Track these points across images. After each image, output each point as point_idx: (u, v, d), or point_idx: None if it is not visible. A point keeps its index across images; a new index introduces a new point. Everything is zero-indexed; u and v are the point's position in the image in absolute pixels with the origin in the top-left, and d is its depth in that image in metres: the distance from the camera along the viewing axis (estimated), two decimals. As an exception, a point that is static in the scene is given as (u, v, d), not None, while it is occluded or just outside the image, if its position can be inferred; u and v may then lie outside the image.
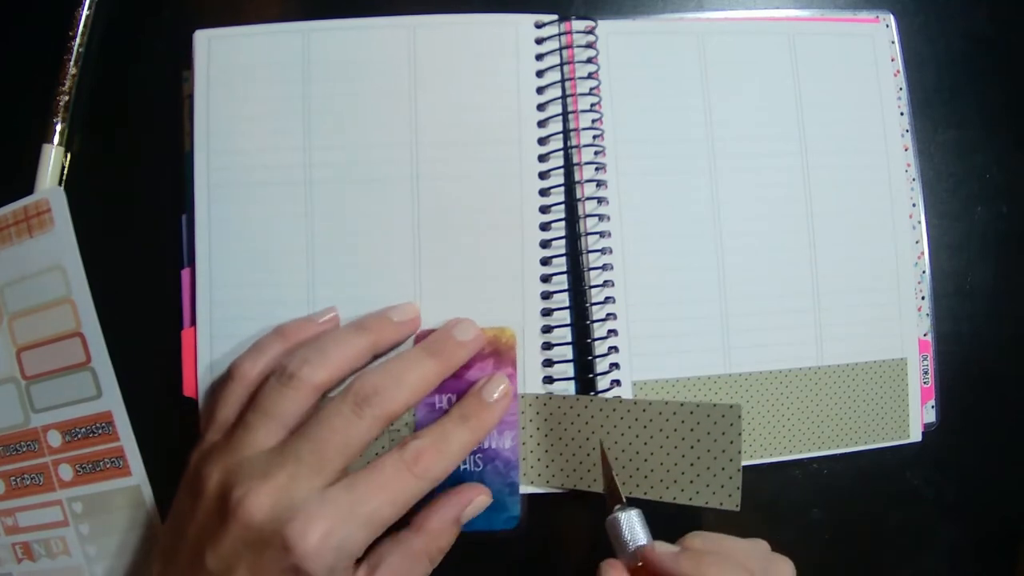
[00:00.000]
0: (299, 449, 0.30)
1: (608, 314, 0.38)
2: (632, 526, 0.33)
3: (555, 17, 0.39)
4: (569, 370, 0.38)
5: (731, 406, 0.34)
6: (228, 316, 0.37)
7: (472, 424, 0.34)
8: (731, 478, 0.34)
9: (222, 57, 0.38)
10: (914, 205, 0.41)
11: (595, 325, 0.38)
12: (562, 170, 0.38)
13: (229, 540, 0.29)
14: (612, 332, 0.38)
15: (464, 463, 0.36)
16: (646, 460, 0.35)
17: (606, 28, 0.40)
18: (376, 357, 0.35)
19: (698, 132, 0.40)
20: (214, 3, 0.41)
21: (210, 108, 0.38)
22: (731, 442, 0.34)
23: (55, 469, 0.39)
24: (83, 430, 0.38)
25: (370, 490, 0.30)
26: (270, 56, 0.38)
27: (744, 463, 0.38)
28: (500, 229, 0.38)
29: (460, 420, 0.34)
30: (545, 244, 0.38)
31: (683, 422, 0.35)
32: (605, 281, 0.38)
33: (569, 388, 0.38)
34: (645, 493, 0.35)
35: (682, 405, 0.35)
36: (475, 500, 0.35)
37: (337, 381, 0.34)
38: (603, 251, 0.39)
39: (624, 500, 0.35)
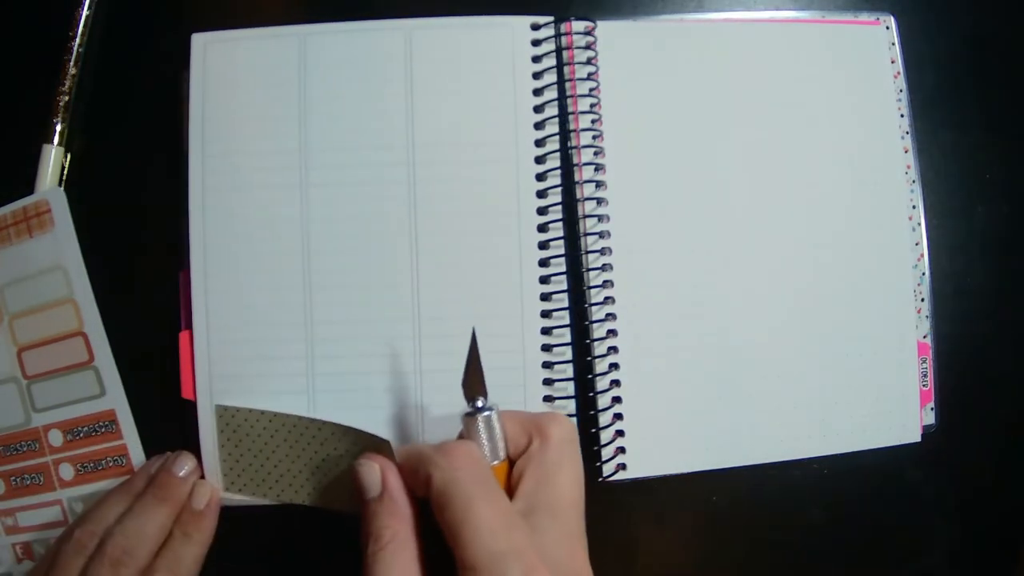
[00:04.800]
0: None
1: (608, 315, 0.38)
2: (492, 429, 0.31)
3: (551, 19, 0.39)
4: (569, 370, 0.38)
5: (384, 441, 0.32)
6: (224, 318, 0.38)
7: (196, 539, 0.36)
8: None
9: (219, 60, 0.38)
10: (914, 207, 0.41)
11: (594, 326, 0.38)
12: (559, 171, 0.38)
13: None
14: (612, 332, 0.38)
15: None
16: (317, 467, 0.36)
17: (605, 29, 0.40)
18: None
19: (698, 133, 0.40)
20: (212, 5, 0.41)
21: (206, 111, 0.38)
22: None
23: (56, 469, 0.39)
24: (85, 429, 0.38)
25: None
26: (267, 59, 0.38)
27: (745, 463, 0.39)
28: (497, 232, 0.38)
29: (184, 538, 0.36)
30: (543, 245, 0.38)
31: (354, 443, 0.35)
32: (605, 282, 0.38)
33: (569, 389, 0.38)
34: (305, 495, 0.37)
35: (347, 431, 0.35)
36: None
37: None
38: (602, 251, 0.39)
39: (486, 394, 0.32)
